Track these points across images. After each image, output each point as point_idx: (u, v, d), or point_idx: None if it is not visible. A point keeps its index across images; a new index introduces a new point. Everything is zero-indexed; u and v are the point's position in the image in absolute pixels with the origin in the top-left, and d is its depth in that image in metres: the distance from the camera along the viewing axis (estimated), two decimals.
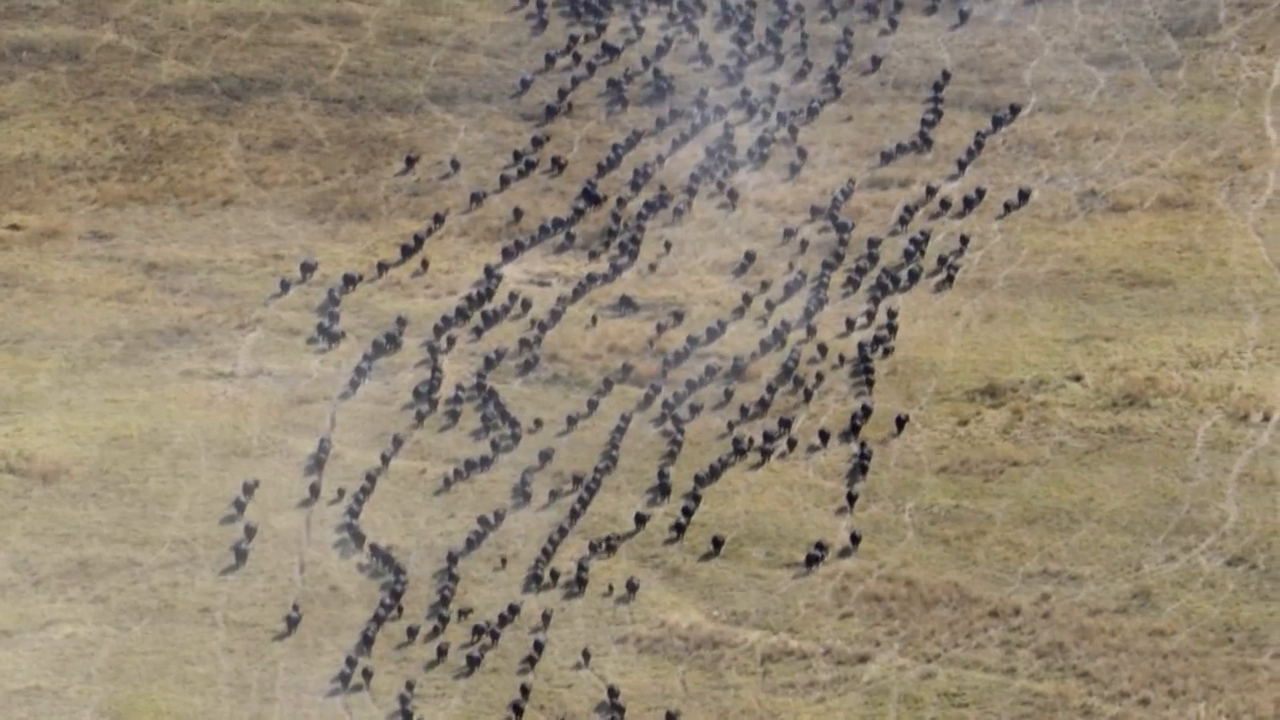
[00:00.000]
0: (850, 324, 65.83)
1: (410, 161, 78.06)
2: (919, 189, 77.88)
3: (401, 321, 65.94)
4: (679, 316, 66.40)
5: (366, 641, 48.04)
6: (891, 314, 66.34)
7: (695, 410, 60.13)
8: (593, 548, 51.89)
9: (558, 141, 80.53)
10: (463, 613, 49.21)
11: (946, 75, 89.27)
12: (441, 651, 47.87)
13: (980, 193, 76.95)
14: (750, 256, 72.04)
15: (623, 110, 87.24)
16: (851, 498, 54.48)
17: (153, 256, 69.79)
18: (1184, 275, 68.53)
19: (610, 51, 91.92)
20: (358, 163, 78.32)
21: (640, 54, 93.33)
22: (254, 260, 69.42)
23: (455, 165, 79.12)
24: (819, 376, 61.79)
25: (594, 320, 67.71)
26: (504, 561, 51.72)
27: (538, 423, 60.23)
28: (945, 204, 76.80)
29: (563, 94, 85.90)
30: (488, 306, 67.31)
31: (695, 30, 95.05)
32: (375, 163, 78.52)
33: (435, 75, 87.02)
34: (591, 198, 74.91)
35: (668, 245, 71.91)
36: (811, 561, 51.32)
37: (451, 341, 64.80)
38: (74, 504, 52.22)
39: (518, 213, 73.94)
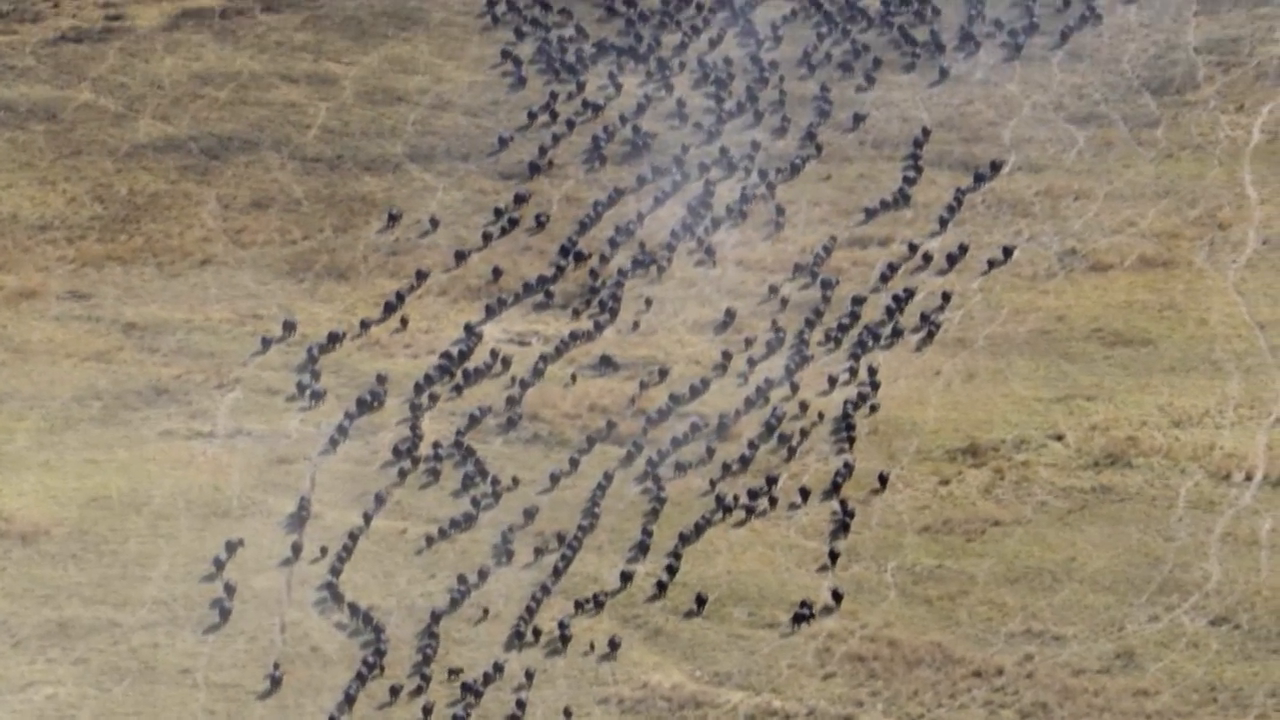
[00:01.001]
0: (832, 381, 66.51)
1: (393, 218, 78.57)
2: (899, 247, 78.63)
3: (381, 380, 66.58)
4: (662, 374, 67.04)
5: (348, 701, 48.00)
6: (873, 371, 67.29)
7: (678, 468, 60.54)
8: (579, 606, 52.30)
9: (537, 200, 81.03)
10: (452, 672, 49.34)
11: (926, 133, 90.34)
12: (427, 711, 47.74)
13: (963, 248, 77.58)
14: (731, 314, 72.72)
15: (602, 167, 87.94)
16: (834, 556, 54.97)
17: (131, 316, 70.15)
18: (1165, 334, 69.26)
19: (590, 108, 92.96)
20: (336, 222, 78.74)
21: (619, 111, 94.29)
22: (232, 320, 69.77)
23: (434, 224, 79.65)
24: (802, 434, 62.40)
25: (573, 378, 68.60)
26: (485, 612, 52.01)
27: (515, 481, 60.68)
28: (927, 258, 77.65)
29: (543, 151, 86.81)
30: (468, 365, 67.84)
31: (671, 88, 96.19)
32: (354, 222, 78.92)
33: (413, 134, 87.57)
34: (573, 255, 75.52)
35: (648, 302, 72.44)
36: (799, 620, 51.79)
37: (433, 400, 65.33)
38: (54, 565, 52.28)
39: (497, 272, 74.50)
